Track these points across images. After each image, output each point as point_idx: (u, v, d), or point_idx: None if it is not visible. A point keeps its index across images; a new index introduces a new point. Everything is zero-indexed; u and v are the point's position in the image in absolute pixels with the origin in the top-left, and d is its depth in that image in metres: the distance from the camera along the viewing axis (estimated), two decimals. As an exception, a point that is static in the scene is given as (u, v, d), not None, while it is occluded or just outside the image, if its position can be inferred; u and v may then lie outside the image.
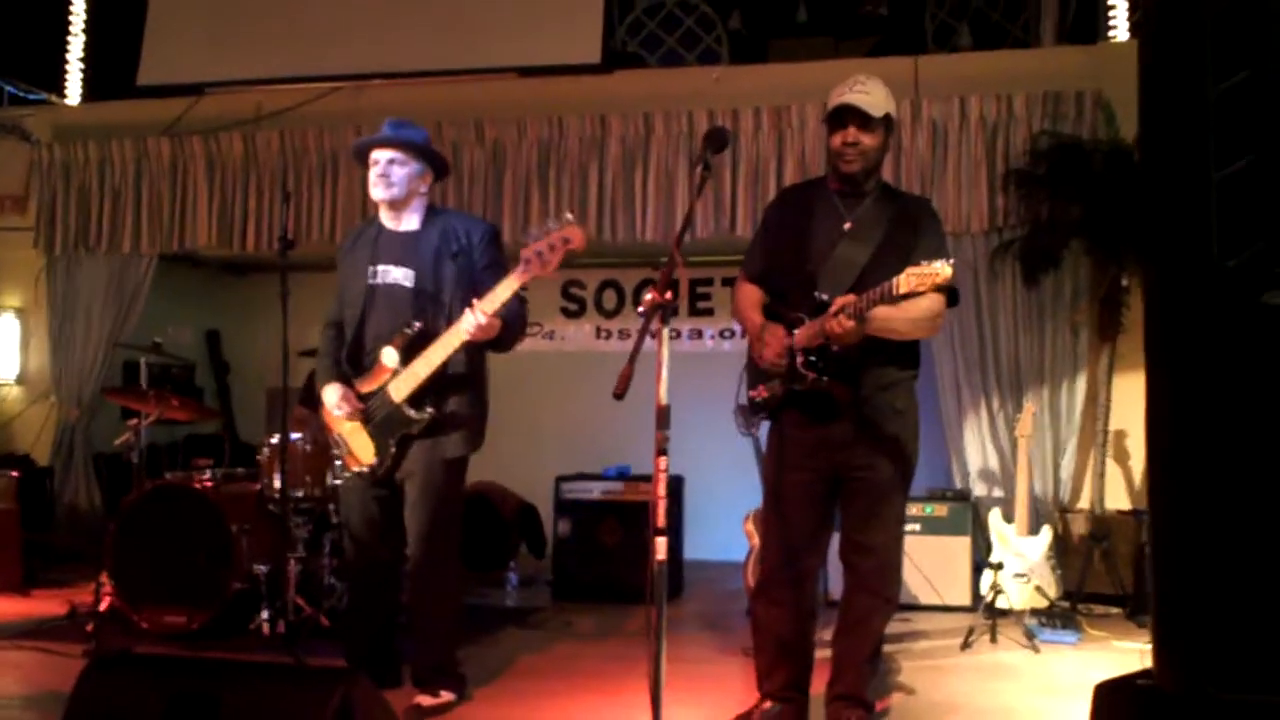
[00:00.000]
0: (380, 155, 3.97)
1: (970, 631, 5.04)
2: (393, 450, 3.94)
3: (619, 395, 2.56)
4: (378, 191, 3.97)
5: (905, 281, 2.98)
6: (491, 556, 6.62)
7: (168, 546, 4.95)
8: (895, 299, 3.01)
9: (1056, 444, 6.14)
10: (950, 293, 3.19)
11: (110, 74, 7.85)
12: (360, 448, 3.98)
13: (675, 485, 6.32)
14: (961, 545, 5.78)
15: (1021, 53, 6.78)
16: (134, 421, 5.49)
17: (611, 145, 6.63)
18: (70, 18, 8.13)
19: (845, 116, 3.37)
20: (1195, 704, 1.76)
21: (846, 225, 3.43)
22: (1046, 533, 5.55)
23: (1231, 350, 1.77)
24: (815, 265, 3.40)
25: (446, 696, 3.96)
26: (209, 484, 5.10)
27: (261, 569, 4.92)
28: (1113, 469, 6.05)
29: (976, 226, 6.18)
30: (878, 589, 3.48)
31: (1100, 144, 5.89)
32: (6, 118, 7.72)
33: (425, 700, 3.92)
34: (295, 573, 4.96)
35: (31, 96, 8.02)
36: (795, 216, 3.51)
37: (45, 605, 5.60)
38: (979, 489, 6.18)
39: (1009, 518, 5.61)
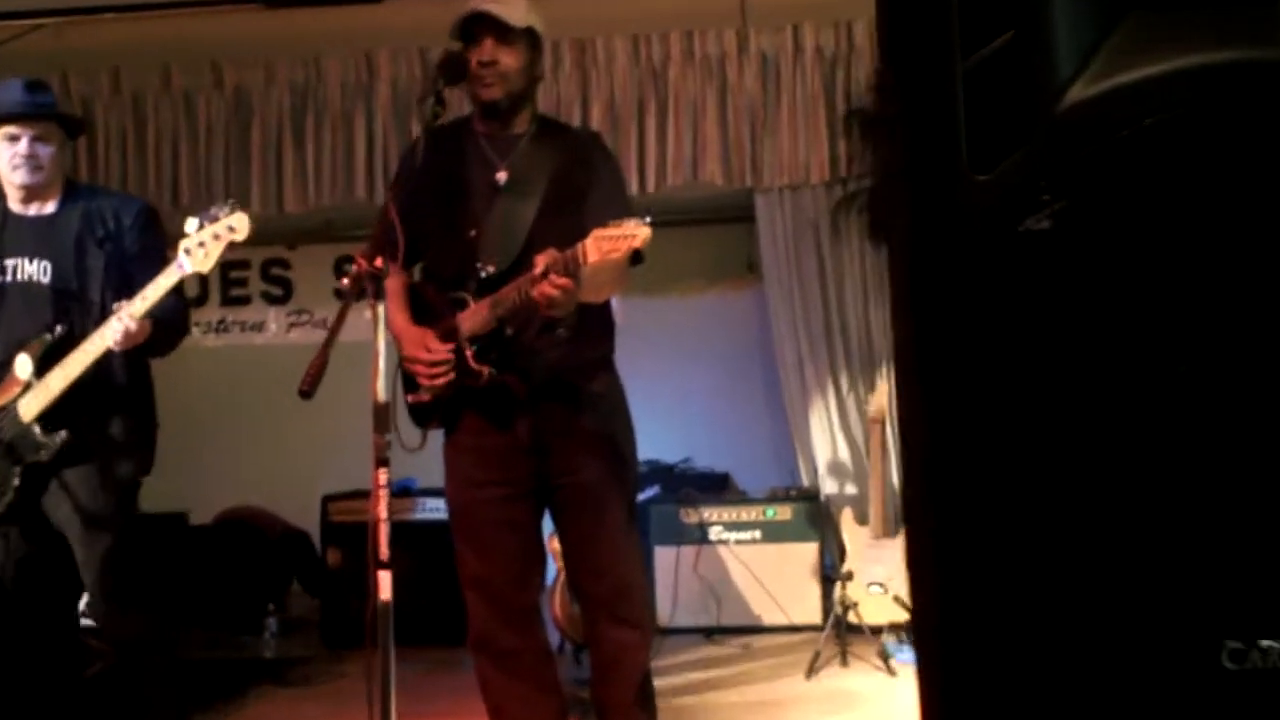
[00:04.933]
0: (21, 132, 3.76)
1: (816, 656, 4.94)
2: (16, 483, 3.71)
3: (305, 393, 2.52)
4: (21, 175, 3.78)
5: (594, 248, 2.85)
6: (253, 598, 6.32)
7: None
8: (584, 264, 2.90)
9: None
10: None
11: None
12: None
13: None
14: (809, 553, 5.77)
15: (860, -28, 6.72)
16: None
17: (381, 90, 6.39)
18: None
19: (477, 29, 3.20)
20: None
21: (500, 175, 3.31)
22: (908, 533, 5.54)
23: (985, 295, 1.60)
24: (473, 230, 3.26)
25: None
26: None
27: None
28: (983, 454, 6.05)
29: (816, 176, 6.13)
30: (623, 615, 3.32)
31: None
32: None
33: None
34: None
35: None
36: (441, 168, 3.30)
37: None
38: (829, 486, 6.17)
39: (864, 518, 5.56)
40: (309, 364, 2.55)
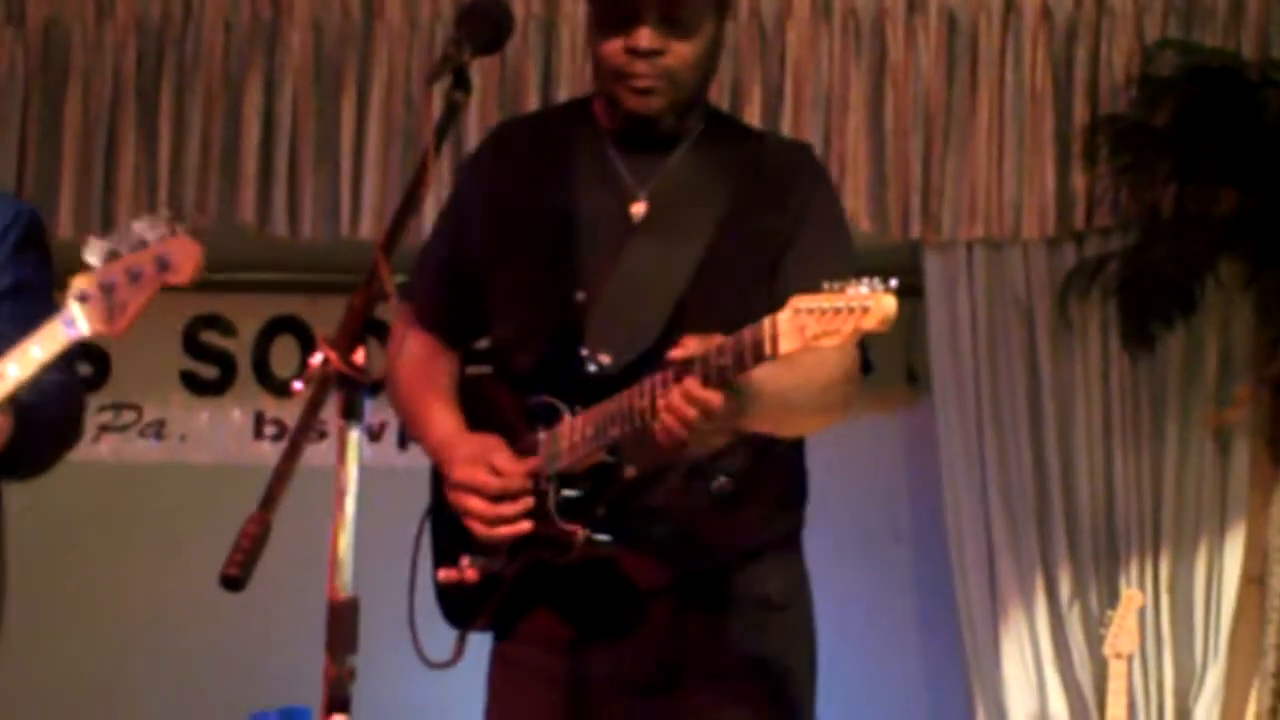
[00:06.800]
0: None
1: None
2: None
3: (232, 579, 1.92)
4: None
5: (791, 327, 2.28)
6: None
7: None
8: (767, 357, 2.33)
9: (1183, 672, 5.09)
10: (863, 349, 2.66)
11: None
12: None
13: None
14: None
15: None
16: None
17: (294, 40, 5.32)
18: None
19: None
20: None
21: (637, 206, 2.87)
22: None
23: None
24: (581, 291, 2.85)
25: None
26: None
27: None
28: (1297, 723, 5.13)
29: (1033, 227, 5.05)
30: None
31: (1276, 67, 4.97)
32: None
33: None
34: None
35: None
36: (526, 184, 2.94)
37: None
38: (1029, 765, 5.11)
39: (1093, 827, 4.86)
40: (240, 533, 1.93)
